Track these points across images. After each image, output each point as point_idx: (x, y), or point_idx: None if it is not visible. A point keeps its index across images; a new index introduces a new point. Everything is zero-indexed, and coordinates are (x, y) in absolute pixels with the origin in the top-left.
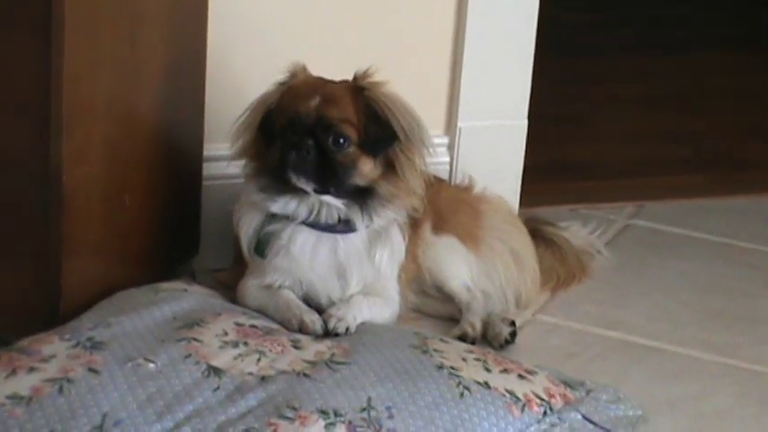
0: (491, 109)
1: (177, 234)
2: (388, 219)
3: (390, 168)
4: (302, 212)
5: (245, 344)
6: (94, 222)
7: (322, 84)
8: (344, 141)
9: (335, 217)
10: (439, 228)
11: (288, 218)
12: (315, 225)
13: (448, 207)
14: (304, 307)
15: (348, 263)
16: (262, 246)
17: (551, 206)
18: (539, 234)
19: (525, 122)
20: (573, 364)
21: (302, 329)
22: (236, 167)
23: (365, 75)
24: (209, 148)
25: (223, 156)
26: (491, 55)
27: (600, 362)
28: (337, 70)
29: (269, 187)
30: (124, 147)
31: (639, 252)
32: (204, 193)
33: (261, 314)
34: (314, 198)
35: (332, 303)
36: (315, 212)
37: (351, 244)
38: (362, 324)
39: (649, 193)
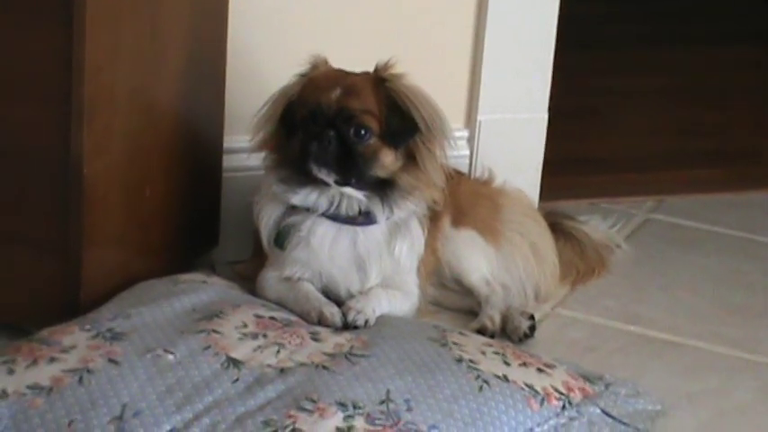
0: (511, 102)
1: (197, 226)
2: (409, 211)
3: (411, 160)
4: (322, 204)
5: (265, 336)
6: (115, 213)
7: (343, 75)
8: (366, 133)
9: (356, 209)
10: (458, 221)
11: (308, 210)
12: (335, 217)
13: (467, 200)
14: (323, 299)
15: (368, 255)
16: (281, 238)
17: (571, 200)
18: (558, 228)
19: (545, 116)
20: (592, 358)
21: (321, 322)
22: (257, 159)
23: (386, 66)
24: (230, 140)
25: (243, 148)
26: (511, 48)
27: (619, 356)
28: (357, 62)
29: (289, 179)
30: (145, 138)
31: (659, 246)
32: (224, 185)
33: (280, 306)
34: (334, 190)
35: (351, 296)
36: (335, 204)
37: (371, 236)
38: (382, 317)
39: (670, 187)
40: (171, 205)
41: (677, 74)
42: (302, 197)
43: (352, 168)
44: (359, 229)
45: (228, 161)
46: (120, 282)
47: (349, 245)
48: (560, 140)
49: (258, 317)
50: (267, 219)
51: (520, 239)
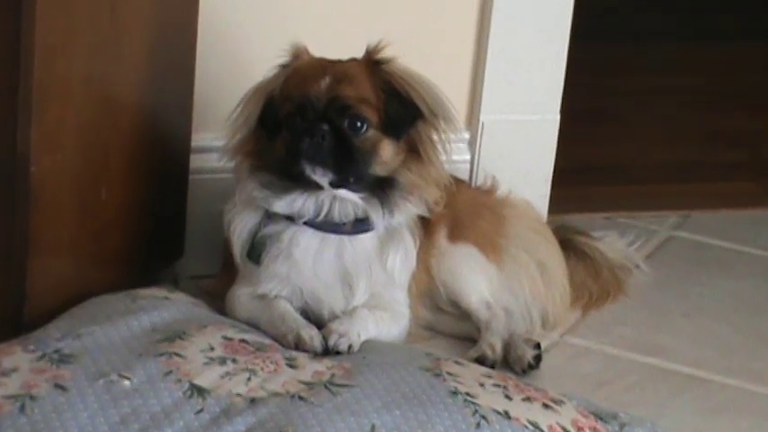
0: (518, 101)
1: (159, 234)
2: (409, 214)
3: (412, 155)
4: (309, 211)
5: (234, 361)
6: (65, 218)
7: (331, 63)
8: (362, 124)
9: (351, 214)
10: (456, 235)
11: (289, 218)
12: (320, 225)
13: (467, 211)
14: (302, 320)
15: (355, 269)
16: (257, 250)
17: (584, 213)
18: (570, 245)
19: (557, 117)
20: (605, 393)
21: (299, 346)
22: (230, 162)
23: (378, 49)
24: (198, 138)
25: (214, 147)
26: (520, 39)
27: (636, 392)
28: (349, 54)
29: (272, 184)
30: (101, 133)
31: (684, 268)
32: (191, 189)
33: (252, 327)
34: (326, 193)
35: (334, 316)
36: (325, 210)
37: (359, 247)
38: (367, 342)
39: (696, 200)
40: (130, 210)
41: (706, 73)
42: (287, 203)
43: (349, 166)
44: (346, 238)
45: (197, 161)
46: (70, 296)
47: (335, 257)
48: (573, 145)
49: (227, 339)
50: (241, 228)
51: (525, 257)
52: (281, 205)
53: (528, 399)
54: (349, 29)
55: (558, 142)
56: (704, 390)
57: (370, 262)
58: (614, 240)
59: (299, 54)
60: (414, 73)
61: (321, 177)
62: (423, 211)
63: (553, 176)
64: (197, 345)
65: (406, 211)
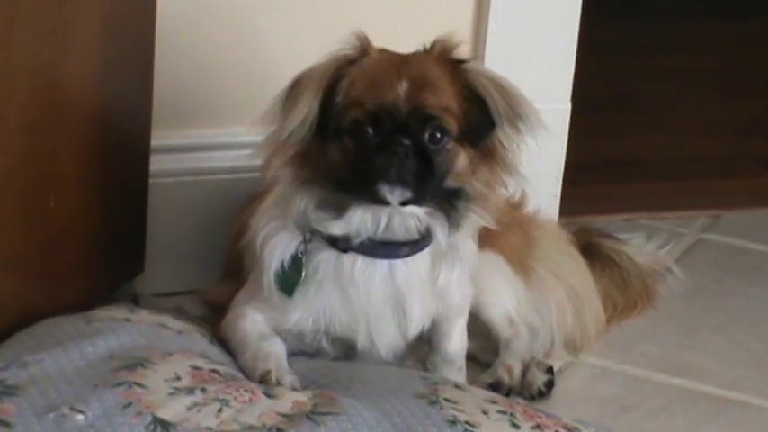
0: (524, 89)
1: (116, 246)
2: (474, 227)
3: (481, 161)
4: (366, 229)
5: (203, 390)
6: (9, 230)
7: (404, 62)
8: (443, 136)
9: (414, 230)
10: (482, 242)
11: (331, 241)
12: (371, 251)
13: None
14: (285, 367)
15: (409, 290)
16: (291, 279)
17: (600, 215)
18: (594, 250)
19: (568, 106)
20: (628, 419)
21: (264, 381)
22: (196, 161)
23: (452, 45)
24: (159, 137)
25: (176, 146)
26: (524, 17)
27: (663, 417)
28: (329, 46)
29: (326, 203)
30: (49, 133)
31: (715, 275)
32: (152, 195)
33: (228, 357)
34: (389, 210)
35: (389, 350)
36: (383, 226)
37: (412, 265)
38: (353, 365)
39: (729, 199)
40: (82, 220)
41: (738, 54)
42: (344, 223)
43: (429, 183)
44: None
45: (158, 163)
46: (14, 318)
47: (384, 279)
48: (587, 138)
49: (195, 368)
50: (281, 252)
51: (555, 281)
52: (338, 226)
53: (538, 426)
54: (335, 14)
55: (570, 134)
56: (740, 414)
57: (422, 283)
58: (642, 243)
59: (365, 48)
60: (495, 76)
61: (397, 197)
62: (488, 222)
63: (564, 173)
64: (161, 373)
65: (471, 224)
